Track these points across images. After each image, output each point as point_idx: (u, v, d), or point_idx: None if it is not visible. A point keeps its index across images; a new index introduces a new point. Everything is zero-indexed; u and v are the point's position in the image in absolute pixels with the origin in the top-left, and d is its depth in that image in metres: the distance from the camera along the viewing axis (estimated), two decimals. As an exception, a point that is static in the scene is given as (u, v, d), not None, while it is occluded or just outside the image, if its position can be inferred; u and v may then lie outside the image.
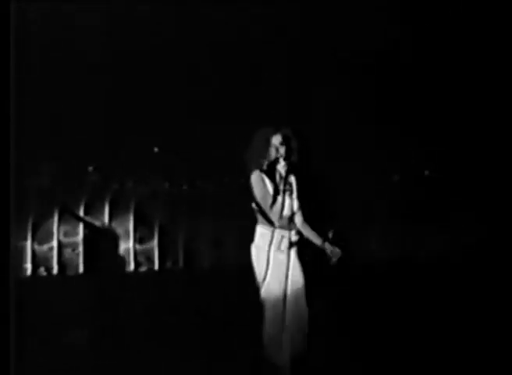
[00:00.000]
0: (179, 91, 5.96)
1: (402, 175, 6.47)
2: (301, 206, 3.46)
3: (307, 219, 3.55)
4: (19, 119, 3.66)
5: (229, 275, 6.21)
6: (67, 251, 7.11)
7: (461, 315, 4.67)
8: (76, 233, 6.96)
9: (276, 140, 3.40)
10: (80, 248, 6.89)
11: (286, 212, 3.40)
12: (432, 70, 5.94)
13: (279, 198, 3.31)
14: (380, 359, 3.85)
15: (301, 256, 3.47)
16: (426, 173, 6.32)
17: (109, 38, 5.27)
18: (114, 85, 5.82)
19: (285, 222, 3.40)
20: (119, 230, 7.03)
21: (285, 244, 3.44)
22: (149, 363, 3.69)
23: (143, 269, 6.97)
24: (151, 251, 7.00)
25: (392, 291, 5.38)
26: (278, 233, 3.41)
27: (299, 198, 3.46)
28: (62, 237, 7.13)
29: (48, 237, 7.11)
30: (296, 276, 3.43)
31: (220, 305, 5.08)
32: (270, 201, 3.34)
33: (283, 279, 3.44)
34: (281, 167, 3.35)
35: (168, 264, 6.94)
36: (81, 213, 6.87)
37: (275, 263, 3.41)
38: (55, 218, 7.05)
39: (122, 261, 6.98)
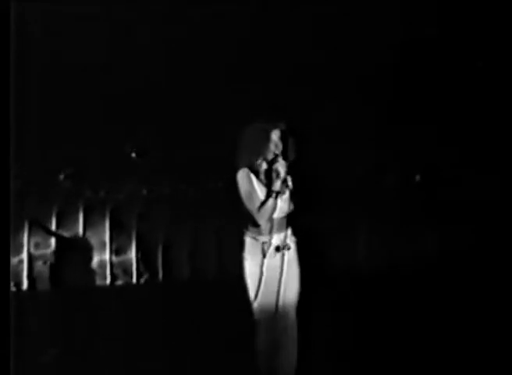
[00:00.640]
0: (157, 90, 5.81)
1: (396, 178, 6.37)
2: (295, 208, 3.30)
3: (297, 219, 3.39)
4: (19, 119, 3.51)
5: (213, 288, 6.03)
6: (38, 264, 6.81)
7: (454, 321, 4.68)
8: (48, 245, 6.57)
9: (275, 135, 3.19)
10: (51, 261, 6.52)
11: (277, 214, 3.21)
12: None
13: (271, 200, 3.11)
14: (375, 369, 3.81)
15: (299, 260, 3.36)
16: (417, 178, 6.26)
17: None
18: (90, 86, 5.66)
19: (272, 225, 3.22)
20: (94, 241, 6.67)
21: (270, 249, 3.24)
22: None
23: (119, 282, 6.60)
24: (129, 262, 6.62)
25: (386, 298, 5.34)
26: (260, 239, 3.23)
27: (292, 199, 3.28)
28: (32, 250, 6.83)
29: (18, 250, 6.80)
30: (290, 285, 3.28)
31: (203, 320, 4.89)
32: (258, 202, 3.14)
33: (275, 290, 3.24)
34: (280, 166, 3.14)
35: (147, 276, 6.59)
36: (53, 224, 6.49)
37: (267, 275, 3.23)
38: (25, 229, 6.72)
39: (98, 274, 6.62)
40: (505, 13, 5.69)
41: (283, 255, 3.28)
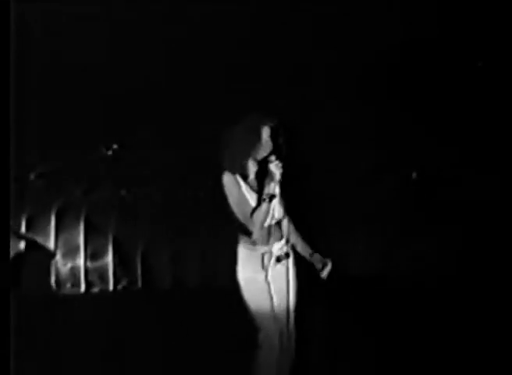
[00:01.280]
0: (157, 90, 5.70)
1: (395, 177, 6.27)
2: (287, 211, 3.07)
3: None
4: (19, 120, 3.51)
5: (196, 296, 5.72)
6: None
7: (457, 324, 4.63)
8: (15, 249, 5.98)
9: (266, 133, 2.86)
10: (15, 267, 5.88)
11: (270, 220, 2.99)
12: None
13: (264, 205, 2.78)
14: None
15: (297, 270, 3.16)
16: (414, 175, 6.15)
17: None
18: (90, 86, 5.61)
19: (265, 233, 2.93)
20: (67, 245, 6.11)
21: (270, 260, 2.98)
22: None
23: (95, 289, 6.11)
24: (105, 268, 6.14)
25: (384, 300, 5.28)
26: (257, 249, 2.95)
27: (283, 202, 2.99)
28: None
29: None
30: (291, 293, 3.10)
31: (185, 330, 4.64)
32: (249, 208, 2.92)
33: (285, 301, 3.02)
34: (274, 167, 2.81)
35: (125, 283, 6.12)
36: (23, 227, 5.97)
37: (270, 287, 3.00)
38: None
39: (71, 281, 6.09)
40: (505, 13, 5.69)
41: (285, 263, 3.08)
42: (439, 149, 6.10)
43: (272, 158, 2.87)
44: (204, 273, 6.10)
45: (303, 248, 3.17)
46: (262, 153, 2.93)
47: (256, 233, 2.93)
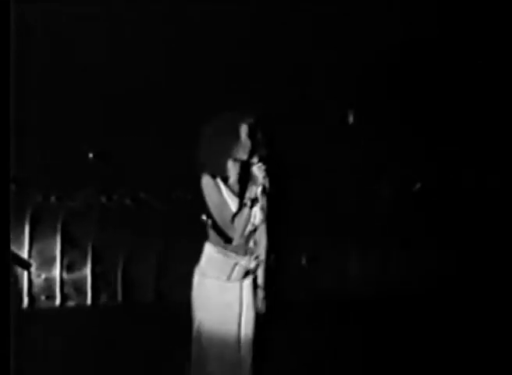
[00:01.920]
0: (157, 90, 5.64)
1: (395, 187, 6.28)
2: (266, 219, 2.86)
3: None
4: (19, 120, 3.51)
5: (179, 310, 5.29)
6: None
7: (461, 338, 4.56)
8: None
9: (244, 131, 2.59)
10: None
11: (250, 227, 2.81)
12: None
13: (246, 210, 2.54)
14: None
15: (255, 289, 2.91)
16: (418, 185, 6.17)
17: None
18: (90, 86, 5.58)
19: (243, 241, 2.82)
20: (42, 255, 5.70)
21: (239, 273, 2.84)
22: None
23: (71, 303, 5.72)
24: (83, 281, 5.75)
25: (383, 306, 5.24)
26: (231, 258, 2.82)
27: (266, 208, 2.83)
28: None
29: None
30: (247, 316, 2.87)
31: (167, 346, 4.39)
32: (230, 212, 2.73)
33: (236, 320, 2.83)
34: (257, 169, 2.56)
35: (104, 297, 5.77)
36: None
37: (225, 299, 2.83)
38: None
39: (45, 293, 5.70)
40: (505, 13, 5.69)
41: (244, 280, 2.85)
42: (438, 149, 6.10)
43: (255, 160, 2.70)
44: (189, 286, 5.93)
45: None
46: (241, 152, 2.73)
47: (236, 240, 2.76)
